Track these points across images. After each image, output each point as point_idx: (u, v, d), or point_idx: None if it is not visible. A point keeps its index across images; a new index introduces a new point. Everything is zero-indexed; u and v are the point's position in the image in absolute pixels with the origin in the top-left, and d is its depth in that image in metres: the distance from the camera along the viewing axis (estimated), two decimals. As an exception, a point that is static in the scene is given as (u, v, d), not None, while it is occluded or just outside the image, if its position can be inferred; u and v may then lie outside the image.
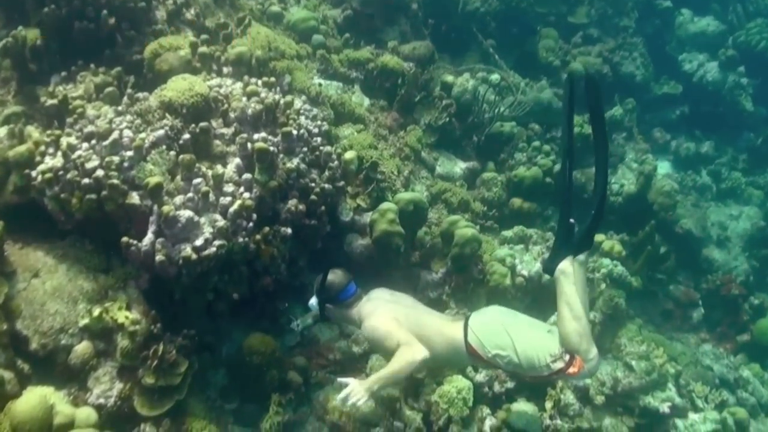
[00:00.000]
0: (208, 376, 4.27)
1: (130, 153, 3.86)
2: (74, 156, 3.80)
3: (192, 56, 4.76)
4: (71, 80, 4.51)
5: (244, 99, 4.48)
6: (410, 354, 3.57)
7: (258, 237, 4.12)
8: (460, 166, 6.80)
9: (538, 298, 5.58)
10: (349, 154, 5.07)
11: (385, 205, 5.02)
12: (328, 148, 4.78)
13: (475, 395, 4.76)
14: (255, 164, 4.20)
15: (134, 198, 3.81)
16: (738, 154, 10.08)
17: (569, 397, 5.11)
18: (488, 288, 5.35)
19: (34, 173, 3.83)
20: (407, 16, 7.77)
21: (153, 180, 3.74)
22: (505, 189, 6.87)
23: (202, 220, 3.87)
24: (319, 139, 4.77)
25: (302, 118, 4.72)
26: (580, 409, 5.14)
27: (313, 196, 4.54)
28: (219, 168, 4.10)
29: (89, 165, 3.76)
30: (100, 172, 3.74)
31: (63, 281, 3.79)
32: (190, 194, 3.86)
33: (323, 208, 4.66)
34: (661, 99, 10.22)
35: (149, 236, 3.76)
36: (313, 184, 4.58)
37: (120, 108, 4.25)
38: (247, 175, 4.10)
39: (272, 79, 4.83)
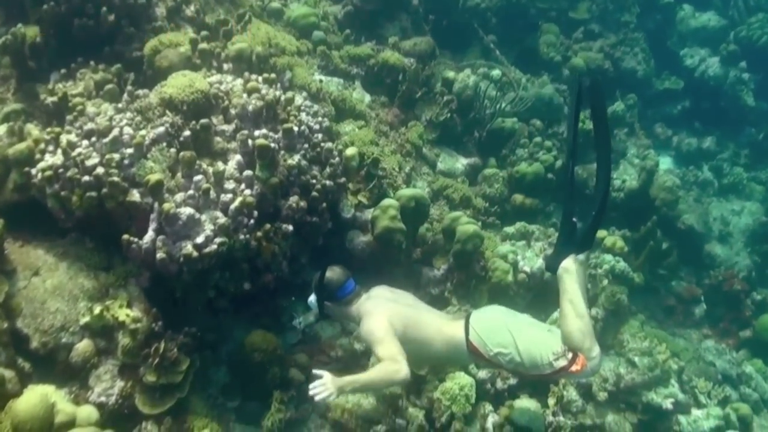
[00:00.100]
0: (210, 373, 4.26)
1: (130, 150, 3.85)
2: (74, 153, 3.78)
3: (192, 53, 4.74)
4: (71, 77, 4.51)
5: (245, 95, 4.46)
6: (392, 370, 3.44)
7: (259, 234, 4.10)
8: (461, 162, 6.79)
9: (540, 295, 5.57)
10: (350, 151, 5.06)
11: (386, 202, 5.01)
12: (329, 145, 4.76)
13: (478, 392, 4.75)
14: (256, 161, 4.19)
15: (135, 195, 3.80)
16: (740, 149, 10.09)
17: (572, 393, 5.10)
18: (490, 284, 5.34)
19: (34, 171, 3.82)
20: (408, 11, 7.77)
21: (153, 177, 3.73)
22: (507, 185, 6.86)
23: (203, 217, 3.85)
24: (320, 136, 4.75)
25: (303, 115, 4.70)
26: (582, 406, 5.13)
27: (314, 193, 4.52)
28: (220, 165, 4.08)
29: (89, 162, 3.75)
30: (100, 170, 3.72)
31: (63, 279, 3.78)
32: (190, 191, 3.84)
33: (324, 204, 4.64)
34: (663, 94, 10.23)
35: (150, 234, 3.75)
36: (314, 181, 4.57)
37: (120, 105, 4.24)
38: (248, 172, 4.08)
39: (273, 75, 4.81)
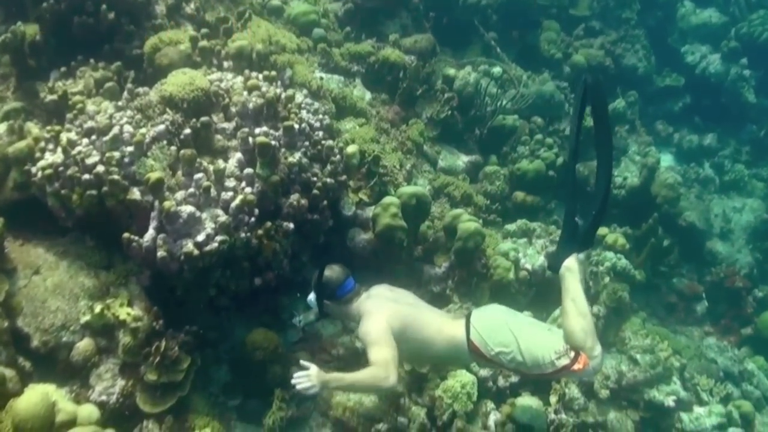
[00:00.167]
0: (211, 372, 4.25)
1: (130, 148, 3.84)
2: (74, 152, 3.77)
3: (192, 50, 4.73)
4: (71, 76, 4.49)
5: (245, 93, 4.45)
6: (380, 377, 3.39)
7: (260, 232, 4.09)
8: (462, 160, 6.78)
9: (541, 292, 5.56)
10: (351, 148, 5.05)
11: (387, 200, 5.00)
12: (330, 142, 4.74)
13: (480, 390, 4.73)
14: (257, 159, 4.17)
15: (135, 194, 3.79)
16: (741, 146, 10.08)
17: (574, 391, 5.09)
18: (492, 282, 5.33)
19: (34, 169, 3.81)
20: (408, 9, 7.75)
21: (154, 175, 3.72)
22: (508, 182, 6.85)
23: (204, 215, 3.84)
24: (320, 133, 4.74)
25: (304, 112, 4.68)
26: (584, 404, 5.12)
27: (315, 191, 4.51)
28: (220, 163, 4.07)
29: (89, 161, 3.74)
30: (100, 168, 3.71)
31: (64, 278, 3.78)
32: (191, 189, 3.83)
33: (325, 202, 4.63)
34: (664, 91, 10.22)
35: (150, 232, 3.74)
36: (315, 179, 4.55)
37: (120, 103, 4.23)
38: (248, 170, 4.07)
39: (273, 73, 4.80)
